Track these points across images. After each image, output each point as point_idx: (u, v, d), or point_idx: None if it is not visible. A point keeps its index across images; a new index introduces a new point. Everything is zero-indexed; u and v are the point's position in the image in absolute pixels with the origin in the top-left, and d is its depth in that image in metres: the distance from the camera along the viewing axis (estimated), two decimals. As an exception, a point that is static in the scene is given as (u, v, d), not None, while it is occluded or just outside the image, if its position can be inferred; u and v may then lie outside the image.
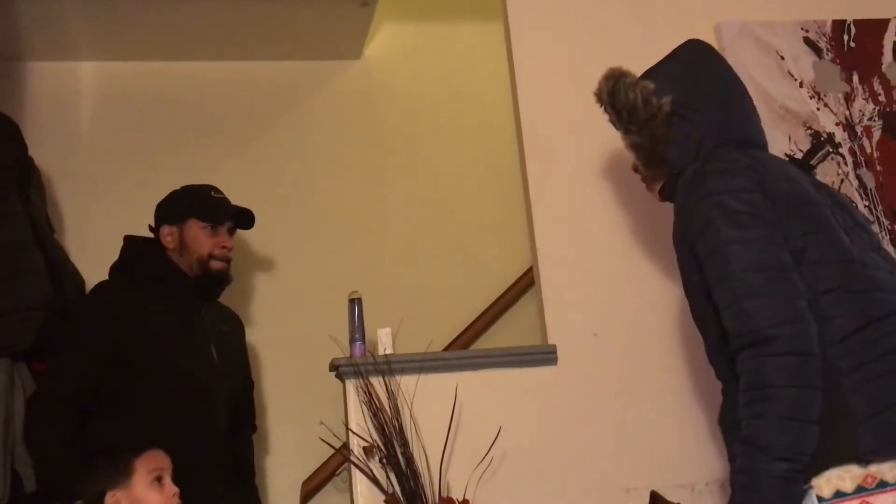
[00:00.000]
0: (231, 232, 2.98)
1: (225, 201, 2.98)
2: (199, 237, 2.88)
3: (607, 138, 3.08)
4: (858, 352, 1.95)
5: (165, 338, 2.73)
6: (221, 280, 2.93)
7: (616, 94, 2.32)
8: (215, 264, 2.89)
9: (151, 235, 2.96)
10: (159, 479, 2.31)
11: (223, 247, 2.91)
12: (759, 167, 2.13)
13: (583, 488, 2.84)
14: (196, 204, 2.93)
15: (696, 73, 2.33)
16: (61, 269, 3.00)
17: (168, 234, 2.90)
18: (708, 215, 2.08)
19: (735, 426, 2.04)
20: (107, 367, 2.65)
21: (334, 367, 2.81)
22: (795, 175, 2.20)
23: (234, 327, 3.06)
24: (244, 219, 3.02)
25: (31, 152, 3.12)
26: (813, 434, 1.88)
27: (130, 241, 2.96)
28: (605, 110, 2.38)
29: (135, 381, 2.65)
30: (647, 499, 2.54)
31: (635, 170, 2.44)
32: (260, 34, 3.95)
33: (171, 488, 2.32)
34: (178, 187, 3.02)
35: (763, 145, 2.33)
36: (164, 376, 2.68)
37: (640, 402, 2.94)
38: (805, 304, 1.96)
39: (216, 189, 2.99)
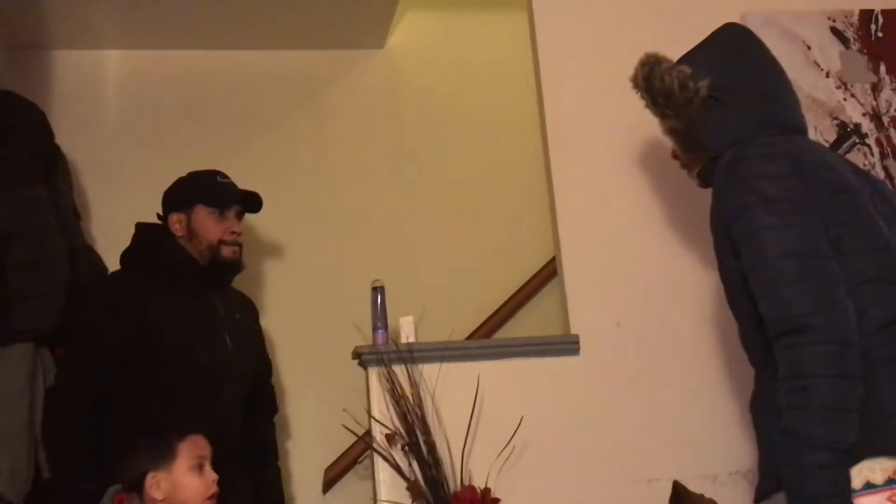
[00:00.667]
0: (239, 216, 2.93)
1: (231, 185, 2.93)
2: (207, 223, 2.84)
3: (631, 127, 3.09)
4: (893, 343, 1.95)
5: (179, 327, 2.71)
6: (232, 266, 2.89)
7: (652, 80, 2.31)
8: (226, 251, 2.85)
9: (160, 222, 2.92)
10: (200, 466, 2.31)
11: (232, 232, 2.87)
12: (799, 153, 2.11)
13: (604, 478, 2.84)
14: (202, 190, 2.89)
15: (734, 57, 2.30)
16: (82, 256, 3.03)
17: (176, 222, 2.86)
18: (745, 201, 2.06)
19: (767, 413, 2.05)
20: (121, 359, 2.64)
21: (357, 355, 2.82)
22: (835, 162, 2.17)
23: (246, 313, 3.02)
24: (251, 202, 2.97)
25: (57, 140, 3.14)
26: (853, 423, 1.87)
27: (141, 229, 2.93)
28: (642, 96, 2.37)
29: (149, 371, 2.64)
30: (669, 489, 2.54)
31: (675, 156, 2.43)
32: (284, 23, 3.96)
33: (210, 475, 2.31)
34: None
35: (802, 130, 2.31)
36: (177, 366, 2.66)
37: (663, 392, 2.94)
38: (843, 292, 1.94)
39: (222, 174, 2.94)
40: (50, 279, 2.78)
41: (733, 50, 2.32)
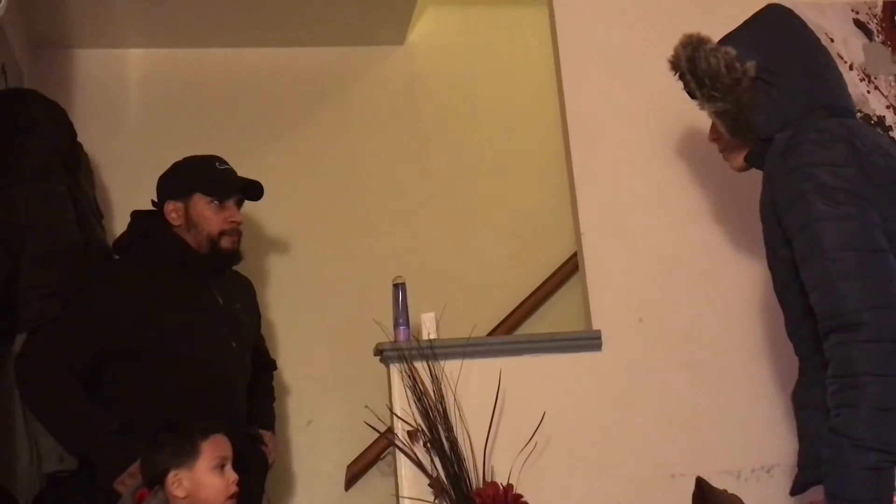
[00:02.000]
0: (239, 204, 2.83)
1: (230, 172, 2.83)
2: (206, 213, 2.74)
3: (652, 122, 3.08)
4: None
5: (176, 321, 2.62)
6: (232, 258, 2.81)
7: (697, 61, 2.23)
8: (225, 242, 2.75)
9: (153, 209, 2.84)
10: (221, 466, 2.30)
11: (232, 221, 2.77)
12: (853, 138, 2.04)
13: (627, 474, 2.83)
14: (201, 177, 2.78)
15: (779, 37, 2.24)
16: (92, 249, 3.03)
17: (173, 211, 2.76)
18: (800, 188, 2.00)
19: (811, 405, 2.03)
20: (114, 352, 2.56)
21: (379, 351, 2.82)
22: (889, 147, 2.11)
23: (246, 301, 2.93)
24: (251, 190, 2.86)
25: (79, 139, 3.16)
26: None
27: (137, 217, 2.84)
28: (683, 78, 2.30)
29: (148, 368, 2.57)
30: (692, 485, 2.52)
31: (714, 139, 2.38)
32: (304, 20, 3.96)
33: (231, 475, 2.29)
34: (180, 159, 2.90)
35: (851, 111, 2.24)
36: (177, 361, 2.59)
37: (686, 387, 2.92)
38: None
39: (221, 159, 2.85)
40: (63, 272, 2.78)
41: (778, 30, 2.25)
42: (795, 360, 2.23)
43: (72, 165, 3.03)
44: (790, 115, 2.15)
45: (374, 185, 4.06)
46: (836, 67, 2.25)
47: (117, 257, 2.85)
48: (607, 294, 2.98)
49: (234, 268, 2.93)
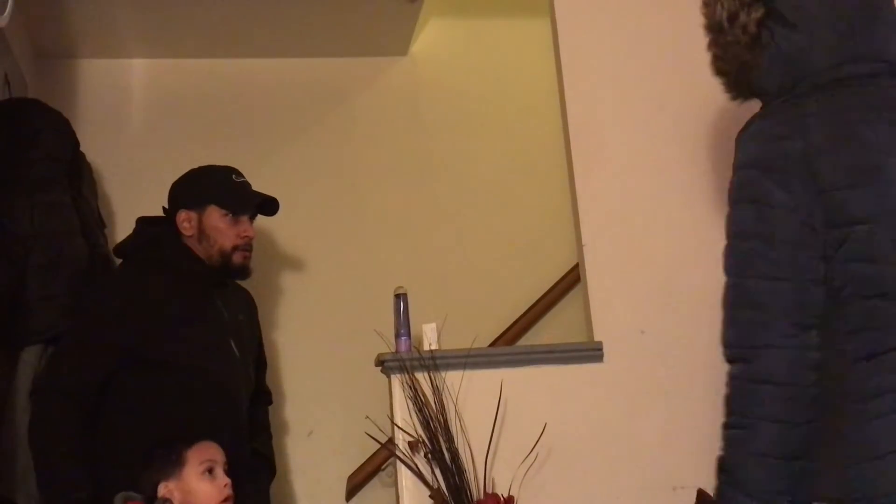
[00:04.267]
0: (252, 218, 2.79)
1: (247, 187, 2.79)
2: (220, 226, 2.70)
3: (654, 133, 3.08)
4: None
5: (184, 333, 2.58)
6: (242, 273, 2.77)
7: (708, 6, 2.02)
8: (237, 257, 2.71)
9: (163, 215, 2.79)
10: (210, 471, 2.30)
11: (245, 236, 2.73)
12: (822, 130, 1.77)
13: (629, 486, 2.83)
14: (217, 189, 2.73)
15: None
16: (102, 260, 3.03)
17: (185, 220, 2.71)
18: (735, 194, 1.85)
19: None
20: (120, 363, 2.51)
21: (380, 362, 2.82)
22: (874, 137, 1.75)
23: (248, 312, 2.89)
24: (267, 206, 2.83)
25: (82, 148, 3.17)
26: (791, 471, 1.73)
27: (145, 223, 2.79)
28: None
29: (152, 379, 2.52)
30: (693, 497, 2.52)
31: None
32: (307, 31, 3.98)
33: (222, 479, 2.28)
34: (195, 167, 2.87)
35: (878, 71, 1.84)
36: (184, 374, 2.54)
37: (687, 399, 2.91)
38: (806, 321, 1.73)
39: (237, 172, 2.81)
40: (68, 281, 2.78)
41: None
42: None
43: (75, 175, 3.04)
44: (790, 77, 1.89)
45: (377, 195, 4.07)
46: (870, 9, 1.88)
47: (120, 262, 2.81)
48: (609, 305, 2.98)
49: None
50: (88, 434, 2.47)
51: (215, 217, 2.71)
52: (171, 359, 2.55)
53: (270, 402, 3.04)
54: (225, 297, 2.75)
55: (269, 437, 2.95)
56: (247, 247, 2.73)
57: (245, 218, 2.75)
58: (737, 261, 1.81)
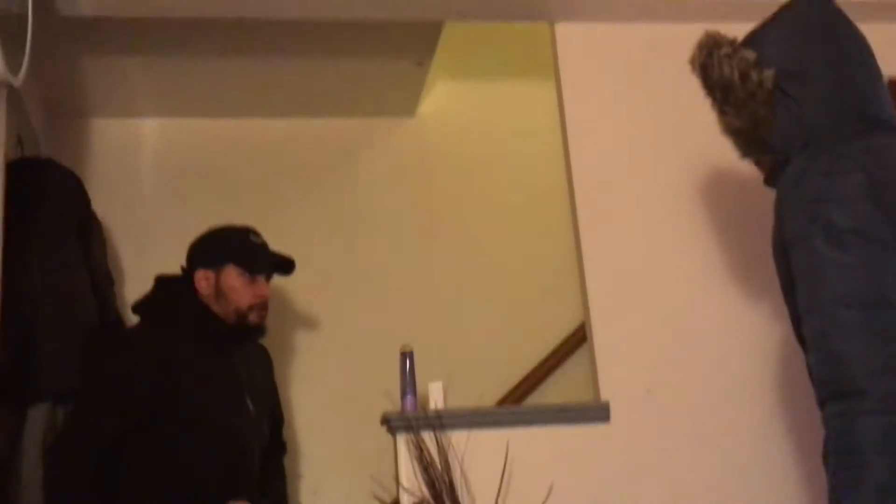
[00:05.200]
0: (268, 278, 2.85)
1: (264, 247, 2.86)
2: (237, 285, 2.75)
3: (659, 192, 3.10)
4: None
5: (201, 390, 2.63)
6: (258, 332, 2.82)
7: (709, 69, 2.00)
8: (253, 317, 2.77)
9: (181, 274, 2.86)
10: None
11: (261, 295, 2.79)
12: (876, 167, 1.77)
13: (635, 548, 2.80)
14: (235, 249, 2.80)
15: (808, 35, 1.96)
16: (108, 316, 3.05)
17: (203, 279, 2.77)
18: (804, 230, 1.76)
19: None
20: (136, 420, 2.54)
21: (385, 421, 2.81)
22: None
23: (264, 369, 2.94)
24: (285, 266, 2.89)
25: (93, 206, 3.20)
26: None
27: (164, 282, 2.84)
28: (701, 85, 2.07)
29: (167, 435, 2.56)
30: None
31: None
32: (317, 92, 4.03)
33: None
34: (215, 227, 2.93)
35: (890, 123, 1.92)
36: (200, 431, 2.58)
37: (695, 460, 2.90)
38: None
39: (255, 232, 2.87)
40: (78, 338, 2.80)
41: (807, 25, 1.97)
42: (811, 432, 2.04)
43: (85, 233, 3.06)
44: (813, 132, 1.89)
45: (383, 254, 4.08)
46: (874, 67, 1.96)
47: (138, 319, 2.84)
48: (615, 365, 2.97)
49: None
50: (105, 490, 2.49)
51: (232, 276, 2.76)
52: (187, 416, 2.58)
53: (286, 452, 3.09)
54: (242, 354, 2.80)
55: (284, 479, 3.02)
56: (263, 306, 2.79)
57: (261, 278, 2.81)
58: (820, 292, 1.73)
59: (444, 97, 4.35)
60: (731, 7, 3.06)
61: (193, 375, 2.64)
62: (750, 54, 1.95)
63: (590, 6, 3.19)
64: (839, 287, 1.70)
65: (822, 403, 1.73)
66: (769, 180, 2.03)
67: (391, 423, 2.78)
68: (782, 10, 2.03)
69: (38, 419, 2.68)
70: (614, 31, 3.26)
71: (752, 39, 2.02)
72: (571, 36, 3.26)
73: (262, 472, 2.82)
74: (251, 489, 2.67)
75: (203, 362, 2.69)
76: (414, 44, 3.79)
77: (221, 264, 2.78)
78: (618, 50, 3.27)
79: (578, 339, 3.78)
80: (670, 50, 3.18)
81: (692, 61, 2.07)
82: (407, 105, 4.25)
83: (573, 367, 3.91)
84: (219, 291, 2.77)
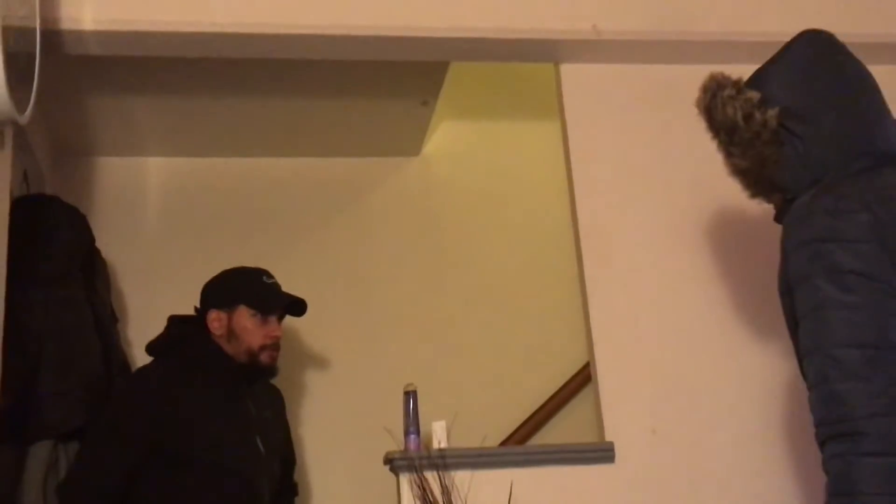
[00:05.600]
0: (280, 319, 2.88)
1: (276, 288, 2.88)
2: (249, 326, 2.78)
3: (665, 232, 3.10)
4: None
5: (211, 429, 2.64)
6: (270, 372, 2.84)
7: (713, 111, 2.01)
8: (265, 357, 2.79)
9: (194, 314, 2.88)
10: None
11: (273, 336, 2.81)
12: (882, 207, 1.76)
13: (641, 591, 2.77)
14: (247, 290, 2.83)
15: (812, 73, 1.97)
16: (115, 355, 3.06)
17: (216, 320, 2.80)
18: (808, 269, 1.76)
19: None
20: (147, 458, 2.57)
21: (388, 460, 2.79)
22: None
23: (275, 410, 2.95)
24: (295, 307, 2.93)
25: (98, 243, 3.21)
26: None
27: (176, 322, 2.88)
28: (706, 126, 2.08)
29: (176, 474, 2.58)
30: None
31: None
32: (321, 131, 4.05)
33: None
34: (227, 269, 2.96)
35: None
36: (210, 470, 2.60)
37: (700, 502, 2.87)
38: None
39: (268, 273, 2.90)
40: (81, 376, 2.80)
41: (811, 65, 1.98)
42: (817, 475, 1.93)
43: (89, 270, 3.07)
44: (820, 169, 1.89)
45: (388, 292, 4.08)
46: (880, 102, 1.97)
47: (152, 359, 2.87)
48: (620, 405, 2.95)
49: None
50: None
51: (245, 317, 2.79)
52: (197, 455, 2.59)
53: (296, 494, 3.08)
54: (254, 394, 2.82)
55: None
56: (274, 346, 2.81)
57: (273, 318, 2.84)
58: (822, 332, 1.72)
59: (449, 136, 4.37)
60: (734, 48, 3.09)
61: (203, 414, 2.66)
62: (754, 95, 1.96)
63: (594, 47, 3.21)
64: (842, 328, 1.70)
65: (822, 444, 1.72)
66: (779, 217, 2.03)
67: (394, 463, 2.77)
68: (785, 50, 2.04)
69: (39, 457, 2.68)
70: (619, 72, 3.28)
71: (755, 79, 2.03)
72: (576, 76, 3.27)
73: None
74: None
75: (213, 401, 2.71)
76: (419, 84, 3.82)
77: (234, 305, 2.81)
78: (623, 90, 3.28)
79: (583, 379, 3.77)
80: (675, 90, 3.20)
81: (697, 104, 2.08)
82: (412, 144, 4.27)
83: (578, 407, 3.90)
84: (231, 332, 2.80)
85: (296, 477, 3.16)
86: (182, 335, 2.84)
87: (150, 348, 2.86)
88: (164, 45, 2.99)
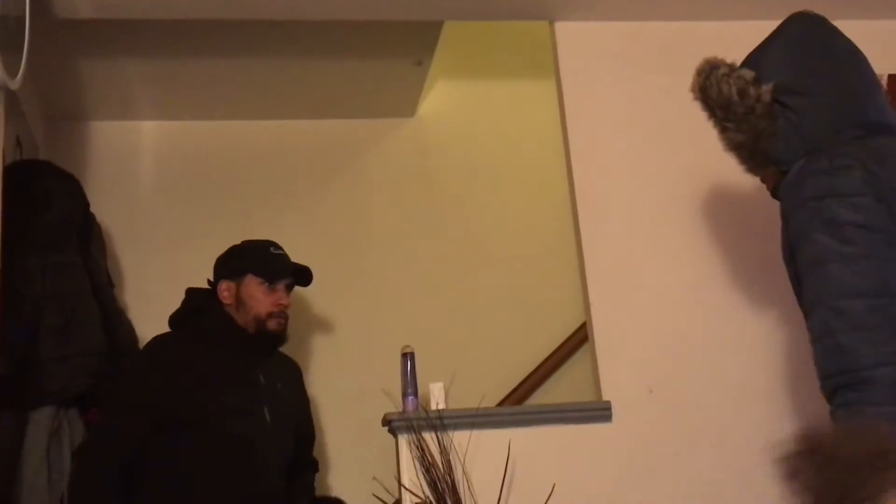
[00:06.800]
0: (288, 289, 2.94)
1: (283, 258, 2.95)
2: (256, 294, 2.86)
3: (660, 191, 3.09)
4: None
5: (215, 396, 2.69)
6: (277, 338, 2.90)
7: (708, 89, 2.06)
8: (272, 324, 2.86)
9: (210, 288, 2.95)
10: None
11: (280, 304, 2.88)
12: (875, 163, 1.80)
13: (638, 548, 2.79)
14: (254, 260, 2.91)
15: (804, 50, 2.03)
16: (115, 319, 3.07)
17: (225, 290, 2.88)
18: (806, 226, 1.80)
19: None
20: (158, 425, 2.63)
21: (387, 422, 2.81)
22: None
23: (288, 382, 2.99)
24: (302, 276, 2.99)
25: (92, 208, 3.19)
26: None
27: (191, 294, 2.96)
28: (702, 107, 2.13)
29: (182, 440, 2.64)
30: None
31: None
32: (315, 93, 4.02)
33: None
34: (236, 242, 3.03)
35: (889, 127, 1.96)
36: (214, 438, 2.66)
37: (697, 459, 2.89)
38: None
39: (275, 245, 2.97)
40: (81, 342, 2.83)
41: (802, 43, 2.04)
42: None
43: (85, 236, 3.06)
44: (813, 140, 1.93)
45: (384, 254, 4.08)
46: (870, 76, 2.02)
47: (169, 330, 2.92)
48: (617, 365, 2.97)
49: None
50: (129, 492, 2.59)
51: (252, 286, 2.87)
52: (204, 421, 2.65)
53: (316, 470, 3.14)
54: (266, 365, 2.88)
55: (313, 499, 3.07)
56: (282, 314, 2.89)
57: (280, 286, 2.91)
58: (824, 286, 1.74)
59: (443, 97, 4.34)
60: (732, 4, 3.05)
61: (210, 382, 2.72)
62: (747, 73, 2.02)
63: (589, 4, 3.19)
64: (843, 279, 1.72)
65: (828, 396, 1.73)
66: (776, 192, 2.06)
67: (393, 424, 2.78)
68: (777, 31, 2.09)
69: (41, 423, 2.70)
70: (614, 29, 3.26)
71: (749, 60, 2.09)
72: (571, 34, 3.25)
73: (288, 490, 2.87)
74: (264, 496, 2.71)
75: (221, 370, 2.77)
76: (413, 43, 3.79)
77: (242, 275, 2.89)
78: (618, 48, 3.26)
79: (580, 339, 3.78)
80: (671, 47, 3.19)
81: (692, 88, 2.14)
82: (407, 105, 4.24)
83: (575, 367, 3.91)
84: (239, 301, 2.87)
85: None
86: (197, 307, 2.91)
87: (170, 320, 2.92)
88: (155, 6, 2.96)
